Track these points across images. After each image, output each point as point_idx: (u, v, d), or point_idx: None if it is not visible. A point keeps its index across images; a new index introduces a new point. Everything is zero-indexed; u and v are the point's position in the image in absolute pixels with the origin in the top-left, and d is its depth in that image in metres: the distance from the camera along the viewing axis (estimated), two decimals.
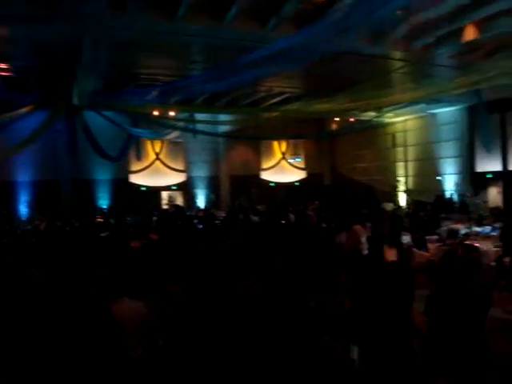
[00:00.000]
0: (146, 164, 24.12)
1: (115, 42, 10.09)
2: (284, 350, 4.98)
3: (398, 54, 14.10)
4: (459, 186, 21.25)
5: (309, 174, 28.41)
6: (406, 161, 24.65)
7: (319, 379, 4.89)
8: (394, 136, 24.94)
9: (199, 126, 18.92)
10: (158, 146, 24.46)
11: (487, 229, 13.53)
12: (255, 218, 15.71)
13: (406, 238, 11.75)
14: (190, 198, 24.81)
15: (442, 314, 4.77)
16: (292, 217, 13.32)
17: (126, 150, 18.74)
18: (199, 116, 19.00)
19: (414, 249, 11.57)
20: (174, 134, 20.11)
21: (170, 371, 4.90)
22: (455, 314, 4.79)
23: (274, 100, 19.15)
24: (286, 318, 5.12)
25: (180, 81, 13.89)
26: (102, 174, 22.71)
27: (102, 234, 10.25)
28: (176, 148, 24.87)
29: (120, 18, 9.96)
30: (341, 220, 10.95)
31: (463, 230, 12.83)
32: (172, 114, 18.27)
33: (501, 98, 17.96)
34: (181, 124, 18.85)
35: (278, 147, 27.70)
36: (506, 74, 12.26)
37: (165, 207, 22.18)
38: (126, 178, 23.81)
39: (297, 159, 27.45)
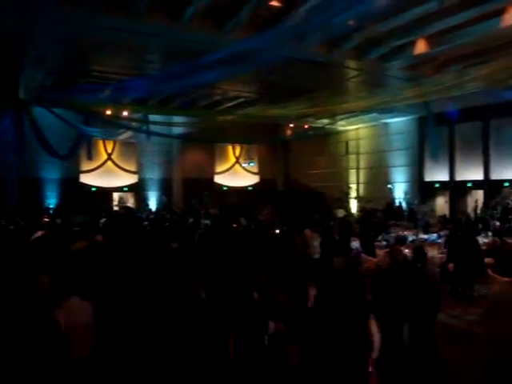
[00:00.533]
0: (97, 164, 23.56)
1: (66, 36, 9.80)
2: (223, 351, 4.94)
3: (352, 63, 14.35)
4: (408, 194, 21.81)
5: (262, 179, 28.51)
6: (358, 168, 25.12)
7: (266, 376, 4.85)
8: (347, 144, 25.37)
9: (153, 127, 18.60)
10: (110, 146, 23.96)
11: (433, 236, 13.91)
12: (207, 222, 15.59)
13: (356, 244, 11.88)
14: (141, 199, 24.39)
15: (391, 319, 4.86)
16: (243, 221, 13.28)
17: (76, 148, 18.17)
18: (153, 117, 18.71)
19: (363, 254, 11.72)
20: (126, 135, 19.72)
21: (113, 372, 4.78)
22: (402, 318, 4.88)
23: (230, 104, 19.12)
24: (229, 320, 5.07)
25: (134, 80, 13.61)
26: (51, 173, 22.01)
27: (37, 234, 9.84)
28: (128, 149, 24.44)
29: (72, 12, 9.67)
30: (292, 225, 10.99)
31: (410, 237, 13.12)
32: (125, 114, 17.94)
33: (450, 110, 18.56)
34: (134, 124, 18.49)
35: (232, 151, 27.68)
36: (455, 87, 12.67)
37: (115, 209, 21.71)
38: (77, 178, 23.20)
39: (251, 164, 27.48)
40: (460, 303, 9.91)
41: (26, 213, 17.49)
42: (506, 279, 5.04)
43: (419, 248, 7.59)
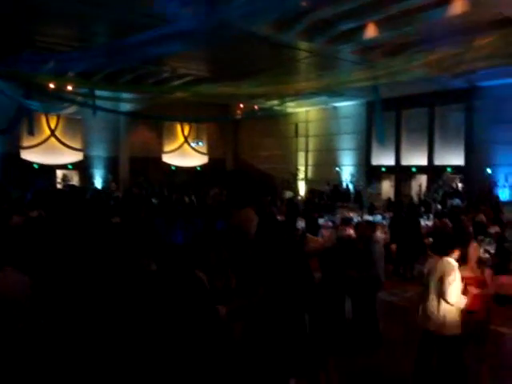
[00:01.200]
0: (39, 140, 22.62)
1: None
2: (174, 329, 4.84)
3: (303, 45, 14.30)
4: (355, 177, 22.21)
5: (211, 159, 28.26)
6: (306, 151, 25.33)
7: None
8: (296, 126, 25.51)
9: (99, 103, 18.02)
10: (53, 121, 23.02)
11: (378, 217, 14.23)
12: (153, 200, 15.32)
13: (301, 224, 12.00)
14: (86, 178, 23.67)
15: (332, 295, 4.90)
16: (187, 199, 13.14)
17: (16, 122, 17.40)
18: (100, 93, 18.12)
19: (308, 234, 11.84)
20: (70, 110, 19.02)
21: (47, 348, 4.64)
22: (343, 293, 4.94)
23: (179, 81, 18.72)
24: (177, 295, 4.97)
25: (79, 52, 13.09)
26: None
27: None
28: (73, 125, 23.58)
29: None
30: (238, 204, 10.92)
31: (356, 218, 13.34)
32: (70, 88, 17.28)
33: (397, 97, 18.94)
34: (79, 99, 17.84)
35: (181, 130, 27.26)
36: (403, 72, 12.89)
37: (58, 186, 20.99)
38: (17, 154, 22.19)
39: (199, 143, 27.17)
40: (401, 282, 10.21)
41: None
42: (438, 257, 5.24)
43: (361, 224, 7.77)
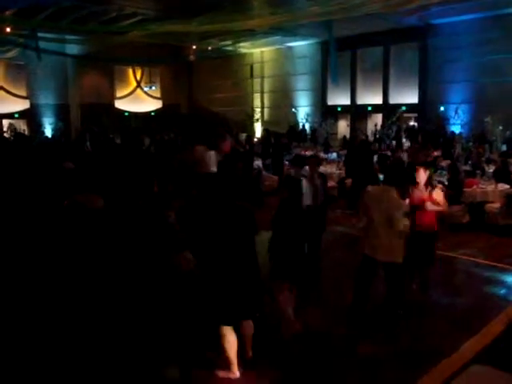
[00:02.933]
0: None
1: None
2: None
3: None
4: (311, 117, 22.18)
5: (165, 104, 27.62)
6: (262, 92, 25.04)
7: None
8: (251, 67, 25.08)
9: (43, 45, 17.06)
10: None
11: (333, 155, 14.34)
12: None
13: (258, 163, 11.98)
14: (35, 126, 22.76)
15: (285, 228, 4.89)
16: (146, 140, 12.85)
17: None
18: (44, 35, 17.17)
19: (265, 172, 11.87)
20: (11, 54, 17.94)
21: None
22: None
23: (127, 21, 17.88)
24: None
25: None
26: None
27: None
28: (17, 71, 22.46)
29: None
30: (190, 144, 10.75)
31: None
32: (8, 30, 16.27)
33: (352, 35, 18.72)
34: (21, 40, 16.82)
35: (133, 75, 26.39)
36: (357, 7, 12.65)
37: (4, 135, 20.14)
38: None
39: (152, 87, 26.43)
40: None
41: None
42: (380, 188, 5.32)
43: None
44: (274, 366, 4.52)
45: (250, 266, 4.25)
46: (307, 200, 6.56)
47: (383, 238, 5.11)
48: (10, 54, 18.11)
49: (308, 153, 13.81)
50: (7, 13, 15.25)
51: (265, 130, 18.17)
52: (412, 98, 19.13)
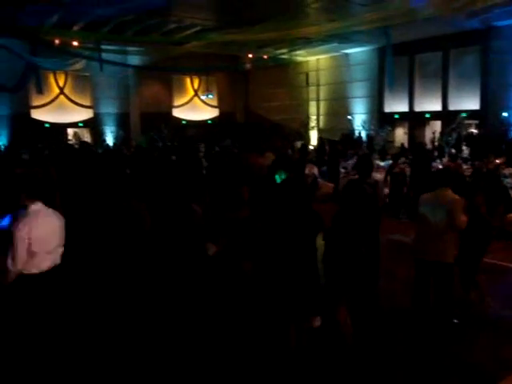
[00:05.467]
0: (49, 99, 22.57)
1: None
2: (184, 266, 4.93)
3: None
4: (367, 124, 21.93)
5: (222, 113, 28.06)
6: (318, 100, 24.99)
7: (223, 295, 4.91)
8: (307, 75, 25.09)
9: (107, 56, 17.78)
10: (61, 79, 22.90)
11: (389, 163, 14.07)
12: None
13: (314, 171, 11.95)
14: (97, 135, 23.68)
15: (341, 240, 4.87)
16: (203, 148, 13.14)
17: (25, 80, 17.33)
18: (106, 47, 17.91)
19: (320, 180, 11.85)
20: (78, 66, 18.85)
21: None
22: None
23: (186, 32, 18.35)
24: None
25: (82, 2, 12.84)
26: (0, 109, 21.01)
27: None
28: (82, 82, 23.44)
29: None
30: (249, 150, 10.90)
31: None
32: (75, 43, 17.10)
33: (410, 41, 18.42)
34: (86, 53, 17.63)
35: (191, 84, 27.01)
36: (414, 12, 12.48)
37: (69, 143, 21.04)
38: (28, 114, 22.21)
39: (209, 96, 26.91)
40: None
41: None
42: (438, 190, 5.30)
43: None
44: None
45: (310, 266, 4.29)
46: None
47: (435, 239, 5.17)
48: (76, 66, 19.00)
49: None
50: (74, 28, 16.04)
51: (319, 138, 18.13)
52: (473, 103, 18.55)
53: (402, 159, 13.48)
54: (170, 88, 26.42)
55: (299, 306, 4.29)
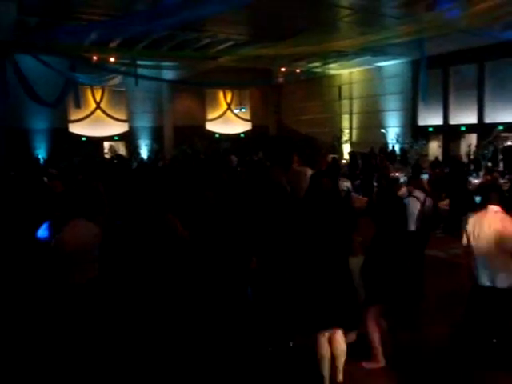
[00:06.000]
0: (86, 113, 23.16)
1: None
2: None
3: (344, 1, 13.91)
4: (401, 138, 21.71)
5: (254, 126, 28.26)
6: (350, 113, 24.90)
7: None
8: (339, 88, 25.04)
9: (142, 71, 18.20)
10: (98, 94, 23.51)
11: (424, 177, 13.90)
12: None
13: (347, 185, 11.87)
14: (132, 148, 24.14)
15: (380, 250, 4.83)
16: (234, 159, 13.22)
17: (64, 95, 17.82)
18: (142, 63, 18.34)
19: (353, 194, 11.75)
20: (114, 81, 19.31)
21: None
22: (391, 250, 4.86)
23: (220, 47, 18.61)
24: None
25: (119, 19, 13.18)
26: (40, 124, 21.68)
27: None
28: (118, 97, 24.00)
29: None
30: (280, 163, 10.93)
31: (402, 178, 13.12)
32: (112, 60, 17.56)
33: (444, 53, 18.22)
34: (122, 68, 18.09)
35: (224, 98, 27.31)
36: (449, 24, 12.35)
37: (106, 156, 21.56)
38: (66, 128, 22.84)
39: (242, 109, 27.15)
40: (451, 238, 9.96)
41: (16, 164, 17.30)
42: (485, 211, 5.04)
43: None
44: None
45: (344, 277, 4.29)
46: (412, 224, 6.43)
47: (499, 263, 4.84)
48: (112, 82, 19.48)
49: (398, 174, 13.55)
50: (111, 45, 16.49)
51: (351, 152, 18.05)
52: (509, 116, 18.13)
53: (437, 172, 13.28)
54: (204, 102, 26.78)
55: (336, 320, 4.28)
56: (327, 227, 4.37)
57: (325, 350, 4.31)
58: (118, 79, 19.26)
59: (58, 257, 4.68)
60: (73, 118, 22.97)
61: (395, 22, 14.00)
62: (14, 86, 14.58)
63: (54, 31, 13.80)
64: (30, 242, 5.45)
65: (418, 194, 7.00)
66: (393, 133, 22.43)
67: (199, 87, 25.10)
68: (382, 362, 4.83)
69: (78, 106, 19.73)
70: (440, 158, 18.77)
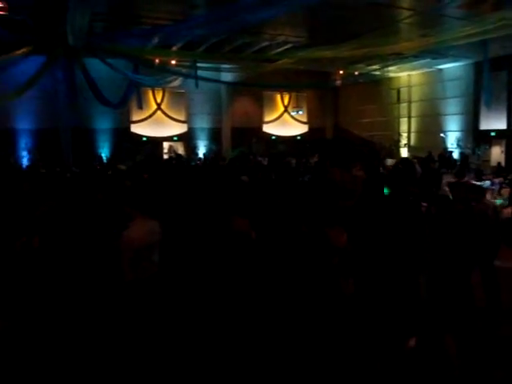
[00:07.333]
0: (147, 114, 23.88)
1: None
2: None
3: (405, 3, 13.73)
4: (462, 142, 21.13)
5: (311, 128, 28.22)
6: (409, 117, 24.43)
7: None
8: (398, 91, 24.62)
9: (202, 73, 18.63)
10: (159, 95, 24.22)
11: (487, 183, 13.51)
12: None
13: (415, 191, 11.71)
14: (191, 149, 24.71)
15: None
16: (293, 161, 13.31)
17: (127, 97, 18.51)
18: (201, 65, 18.76)
19: None
20: (175, 83, 19.83)
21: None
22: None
23: (278, 50, 18.75)
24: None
25: (181, 23, 13.58)
26: (103, 124, 22.62)
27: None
28: (178, 98, 24.62)
29: None
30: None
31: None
32: (173, 62, 18.09)
33: (509, 54, 17.63)
34: (183, 70, 18.60)
35: (281, 100, 27.46)
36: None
37: (166, 157, 22.20)
38: (127, 128, 23.65)
39: (299, 112, 27.19)
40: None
41: (80, 162, 18.12)
42: None
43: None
44: None
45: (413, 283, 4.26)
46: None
47: None
48: (174, 83, 19.99)
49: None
50: (173, 48, 16.98)
51: (404, 159, 17.70)
52: None
53: (500, 179, 12.90)
54: (261, 104, 27.04)
55: (398, 322, 4.24)
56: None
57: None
58: (178, 81, 19.76)
59: (125, 252, 4.84)
60: (134, 118, 23.76)
61: (458, 23, 13.67)
62: (81, 89, 15.26)
63: (120, 35, 14.40)
64: (100, 236, 5.66)
65: (486, 201, 6.82)
66: (453, 137, 21.85)
67: (257, 89, 25.35)
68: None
69: (140, 107, 20.40)
70: (503, 163, 18.15)
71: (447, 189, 8.00)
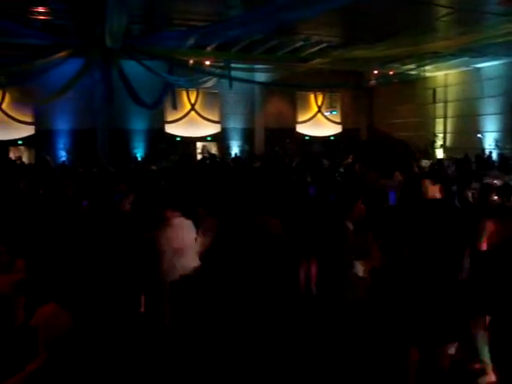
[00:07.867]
0: (181, 114, 24.13)
1: None
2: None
3: (443, 0, 13.48)
4: (500, 143, 20.64)
5: (345, 129, 28.01)
6: (445, 117, 23.98)
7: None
8: (434, 91, 24.19)
9: (236, 74, 18.74)
10: (193, 96, 24.45)
11: None
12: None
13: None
14: (224, 149, 24.86)
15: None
16: (326, 163, 13.26)
17: (162, 98, 18.78)
18: (236, 65, 18.87)
19: None
20: (209, 83, 19.97)
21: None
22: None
23: (312, 49, 18.69)
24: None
25: (216, 24, 13.68)
26: (138, 124, 22.97)
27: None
28: (211, 99, 24.80)
29: None
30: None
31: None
32: (207, 63, 18.25)
33: None
34: (217, 71, 18.74)
35: (315, 100, 27.32)
36: None
37: (199, 157, 22.41)
38: (162, 128, 23.95)
39: (333, 112, 27.02)
40: None
41: (116, 162, 18.47)
42: None
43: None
44: None
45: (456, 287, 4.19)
46: None
47: None
48: (207, 84, 20.13)
49: (498, 182, 12.93)
50: (208, 48, 17.13)
51: (439, 160, 17.40)
52: None
53: None
54: (294, 104, 26.95)
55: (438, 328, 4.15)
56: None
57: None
58: (212, 82, 19.89)
59: (164, 252, 4.88)
60: (169, 118, 24.03)
61: (498, 20, 13.36)
62: (117, 90, 15.53)
63: (156, 37, 14.61)
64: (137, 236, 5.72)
65: None
66: (490, 138, 21.36)
67: (290, 89, 25.31)
68: (492, 377, 4.64)
69: (174, 107, 20.65)
70: None
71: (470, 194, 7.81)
